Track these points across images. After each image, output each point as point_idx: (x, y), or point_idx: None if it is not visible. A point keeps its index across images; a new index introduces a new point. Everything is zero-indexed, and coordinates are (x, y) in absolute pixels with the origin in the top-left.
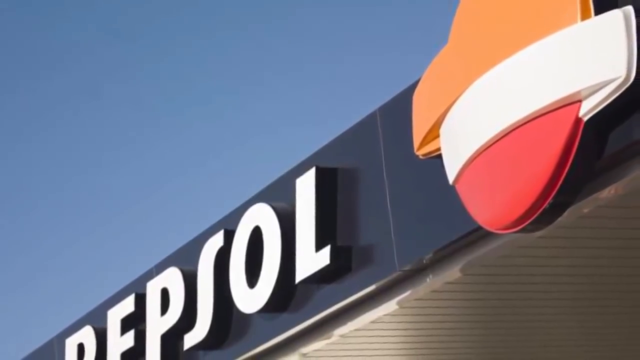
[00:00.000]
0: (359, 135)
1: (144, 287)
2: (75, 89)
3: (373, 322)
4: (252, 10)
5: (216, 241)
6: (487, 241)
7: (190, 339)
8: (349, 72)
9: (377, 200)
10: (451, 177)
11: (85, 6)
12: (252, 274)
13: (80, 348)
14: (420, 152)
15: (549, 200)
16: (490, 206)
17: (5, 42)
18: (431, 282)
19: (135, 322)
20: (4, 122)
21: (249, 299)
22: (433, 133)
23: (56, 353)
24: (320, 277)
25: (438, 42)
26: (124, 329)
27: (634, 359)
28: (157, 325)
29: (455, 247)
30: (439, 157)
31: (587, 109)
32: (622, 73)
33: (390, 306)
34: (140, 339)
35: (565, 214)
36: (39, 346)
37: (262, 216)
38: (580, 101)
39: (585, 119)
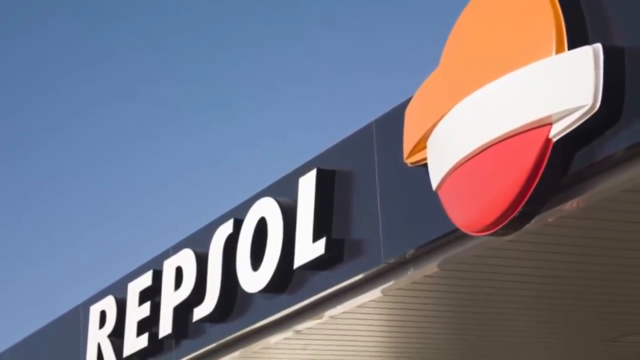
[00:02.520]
0: (356, 142)
1: (161, 265)
2: (111, 89)
3: (359, 306)
4: (269, 29)
5: (226, 228)
6: (462, 241)
7: (199, 312)
8: (350, 87)
9: (369, 200)
10: (434, 184)
11: (124, 16)
12: (256, 259)
13: (103, 315)
14: (408, 161)
15: (519, 209)
16: (467, 211)
17: (50, 44)
18: (412, 275)
19: (151, 294)
20: (49, 115)
21: (252, 280)
22: (421, 144)
23: (81, 318)
24: (315, 265)
25: (429, 65)
26: (141, 300)
27: (585, 349)
28: (170, 298)
29: (435, 245)
30: (425, 166)
31: (557, 131)
32: (589, 101)
33: (375, 293)
34: (155, 309)
35: (532, 222)
36: (66, 311)
37: (268, 209)
38: (550, 124)
39: (554, 139)
